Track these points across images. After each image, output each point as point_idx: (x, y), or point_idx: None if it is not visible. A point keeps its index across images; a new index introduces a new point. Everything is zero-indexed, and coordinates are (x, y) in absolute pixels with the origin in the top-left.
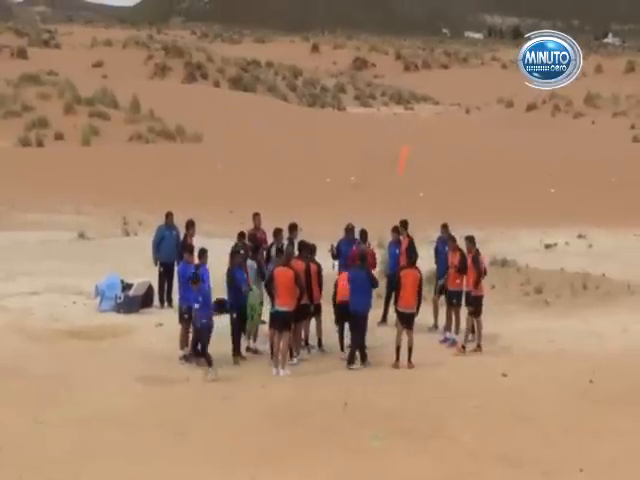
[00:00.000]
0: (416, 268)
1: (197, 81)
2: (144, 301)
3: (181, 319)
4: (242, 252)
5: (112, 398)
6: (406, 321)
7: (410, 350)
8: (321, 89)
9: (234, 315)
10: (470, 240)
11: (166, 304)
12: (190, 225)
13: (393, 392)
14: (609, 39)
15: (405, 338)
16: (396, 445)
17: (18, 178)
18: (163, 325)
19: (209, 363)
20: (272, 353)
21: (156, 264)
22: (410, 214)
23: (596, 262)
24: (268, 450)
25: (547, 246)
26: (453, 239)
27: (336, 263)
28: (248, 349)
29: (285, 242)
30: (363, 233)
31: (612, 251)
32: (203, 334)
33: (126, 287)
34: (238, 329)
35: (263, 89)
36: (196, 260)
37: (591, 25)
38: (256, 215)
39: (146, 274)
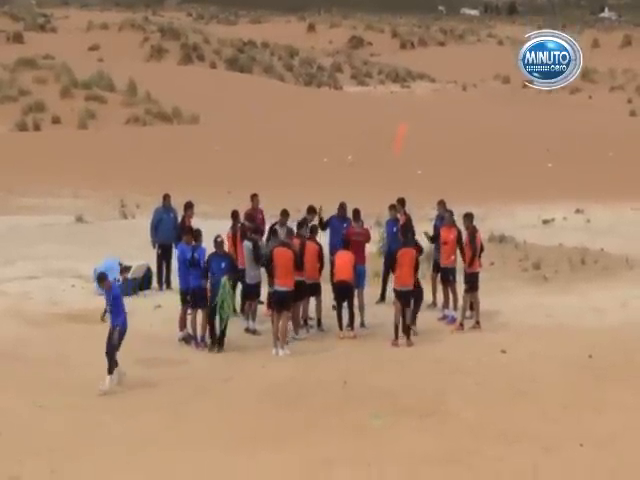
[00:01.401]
0: (413, 247)
1: (193, 63)
2: (142, 283)
3: (183, 300)
4: (219, 240)
5: (111, 381)
6: (404, 299)
7: (408, 328)
8: (317, 68)
9: (212, 305)
10: (468, 217)
11: (164, 286)
12: (188, 207)
13: (392, 370)
14: (605, 13)
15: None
16: (396, 423)
17: (15, 162)
18: (162, 307)
19: (110, 370)
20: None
21: (154, 246)
22: (408, 192)
23: (594, 237)
24: (268, 431)
25: (545, 222)
26: (451, 215)
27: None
28: (247, 330)
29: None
30: (355, 212)
31: (610, 226)
32: (114, 336)
33: (124, 270)
34: (212, 319)
35: (259, 70)
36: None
37: None
38: (254, 196)
39: (144, 257)
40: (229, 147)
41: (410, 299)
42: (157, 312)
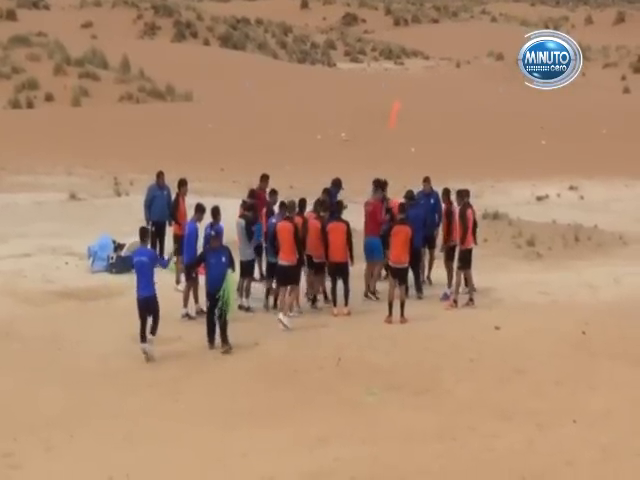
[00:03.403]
0: (407, 224)
1: (187, 40)
2: None
3: (187, 277)
4: (214, 235)
5: (106, 358)
6: (398, 276)
7: (402, 305)
8: (311, 46)
9: (208, 302)
10: (457, 193)
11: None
12: (182, 184)
13: (386, 347)
14: None
15: (397, 293)
16: (390, 400)
17: (8, 140)
18: (155, 284)
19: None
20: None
21: (148, 224)
22: (402, 169)
23: (588, 214)
24: (262, 408)
25: (539, 198)
26: (447, 193)
27: None
28: (241, 307)
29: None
30: (384, 183)
31: (604, 202)
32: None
33: (118, 247)
34: (211, 316)
35: (253, 47)
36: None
37: None
38: (265, 177)
39: (138, 234)
40: (223, 124)
41: (405, 276)
42: None
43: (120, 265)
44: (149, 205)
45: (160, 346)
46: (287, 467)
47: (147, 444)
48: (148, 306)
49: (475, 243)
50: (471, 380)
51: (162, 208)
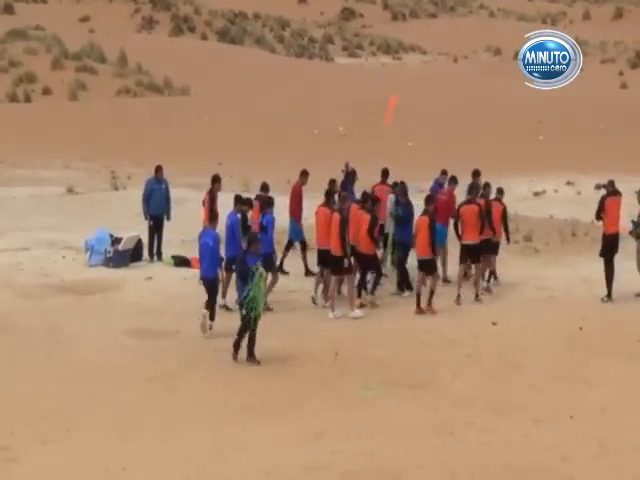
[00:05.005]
0: (427, 215)
1: (184, 34)
2: (133, 255)
3: (226, 269)
4: (256, 238)
5: (103, 352)
6: (423, 268)
7: (432, 294)
8: (309, 40)
9: (244, 311)
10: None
11: (156, 258)
12: (215, 180)
13: (383, 342)
14: None
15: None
16: (387, 394)
17: (6, 134)
18: (152, 279)
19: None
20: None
21: (146, 218)
22: (399, 164)
23: (585, 209)
24: (260, 402)
25: (536, 194)
26: (485, 187)
27: None
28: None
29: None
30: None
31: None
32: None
33: (115, 241)
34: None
35: (251, 41)
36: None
37: None
38: (305, 172)
39: (135, 228)
40: (220, 118)
41: (430, 267)
42: (148, 283)
43: (117, 259)
44: (147, 199)
45: (158, 339)
46: (284, 461)
47: (144, 437)
48: (209, 287)
49: (476, 238)
50: (468, 375)
51: (160, 202)
